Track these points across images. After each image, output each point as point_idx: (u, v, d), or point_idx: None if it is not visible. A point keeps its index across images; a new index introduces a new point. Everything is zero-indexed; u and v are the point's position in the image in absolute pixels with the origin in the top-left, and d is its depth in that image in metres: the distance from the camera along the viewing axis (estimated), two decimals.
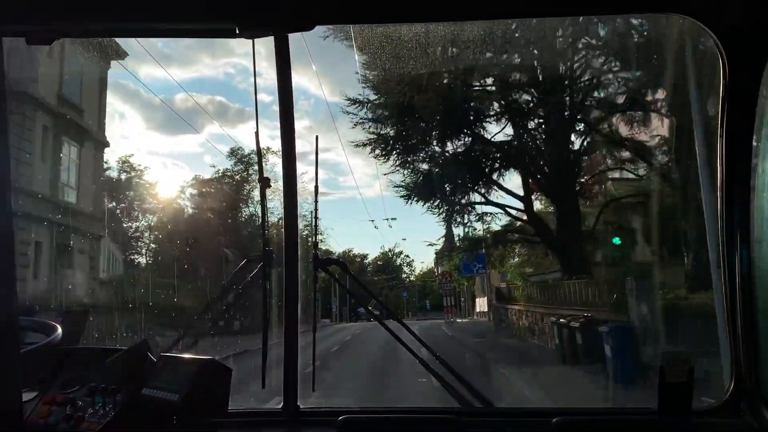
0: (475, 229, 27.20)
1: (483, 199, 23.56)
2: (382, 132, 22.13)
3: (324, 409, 2.16)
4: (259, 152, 2.33)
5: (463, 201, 23.91)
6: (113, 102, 37.90)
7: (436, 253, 78.36)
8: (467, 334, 24.51)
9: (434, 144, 22.35)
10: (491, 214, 24.66)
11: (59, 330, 1.72)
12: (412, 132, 21.65)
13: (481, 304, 47.46)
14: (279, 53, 2.11)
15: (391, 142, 22.00)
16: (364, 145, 22.07)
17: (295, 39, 2.12)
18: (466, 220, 23.85)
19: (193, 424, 1.53)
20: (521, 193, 22.60)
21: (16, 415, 1.37)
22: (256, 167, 39.01)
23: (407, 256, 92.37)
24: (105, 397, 1.55)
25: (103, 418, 1.51)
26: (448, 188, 23.38)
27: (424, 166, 22.78)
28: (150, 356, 1.62)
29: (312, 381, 2.47)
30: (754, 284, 1.86)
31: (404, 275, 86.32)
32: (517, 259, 32.16)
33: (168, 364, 1.52)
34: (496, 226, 24.87)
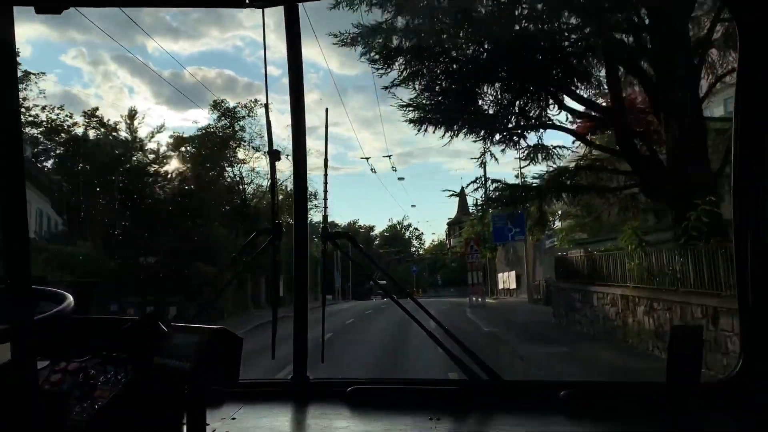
0: (521, 177, 19.06)
1: (540, 117, 14.78)
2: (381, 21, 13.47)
3: (333, 380, 2.19)
4: (269, 125, 2.32)
5: (509, 123, 15.25)
6: (123, 76, 37.31)
7: (448, 224, 76.80)
8: (519, 333, 15.88)
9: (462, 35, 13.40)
10: (550, 149, 15.78)
11: (71, 299, 1.74)
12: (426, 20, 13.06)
13: (507, 280, 42.70)
14: (289, 24, 2.09)
15: (400, 36, 13.67)
16: (351, 42, 13.75)
17: (303, 10, 2.09)
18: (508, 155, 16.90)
19: (204, 393, 1.55)
20: (602, 101, 15.16)
21: (31, 383, 1.40)
22: (242, 122, 36.29)
23: (416, 228, 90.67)
24: (116, 366, 1.58)
25: (114, 387, 1.53)
26: (486, 100, 14.79)
27: (445, 73, 14.40)
28: (161, 325, 1.63)
29: (321, 353, 2.50)
30: (765, 260, 1.85)
31: (413, 249, 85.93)
32: (567, 222, 26.31)
33: (179, 334, 1.54)
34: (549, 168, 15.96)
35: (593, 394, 1.97)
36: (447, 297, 50.10)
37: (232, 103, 39.50)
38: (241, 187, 40.53)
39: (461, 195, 79.99)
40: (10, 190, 1.24)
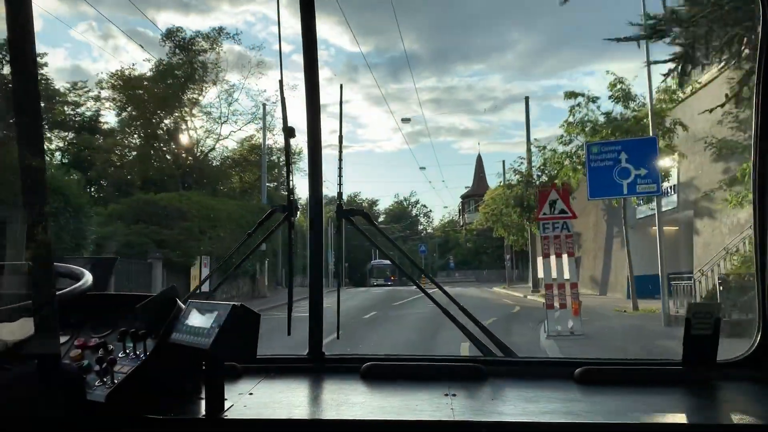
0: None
1: None
2: None
3: (349, 356, 2.21)
4: (284, 102, 2.32)
5: None
6: (132, 50, 35.36)
7: (462, 198, 70.77)
8: None
9: None
10: None
11: (89, 275, 1.76)
12: None
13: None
14: (304, 6, 2.07)
15: None
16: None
17: None
18: None
19: (222, 368, 1.57)
20: None
21: (54, 358, 1.42)
22: (203, 57, 32.91)
23: (424, 205, 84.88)
24: (135, 342, 1.60)
25: (134, 362, 1.56)
26: None
27: None
28: (179, 302, 1.65)
29: (337, 330, 2.52)
30: None
31: (421, 227, 79.28)
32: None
33: (197, 310, 1.55)
34: None
35: (608, 372, 1.97)
36: (463, 283, 45.30)
37: (189, 32, 33.71)
38: (196, 142, 35.11)
39: (478, 165, 72.77)
40: (31, 170, 1.25)
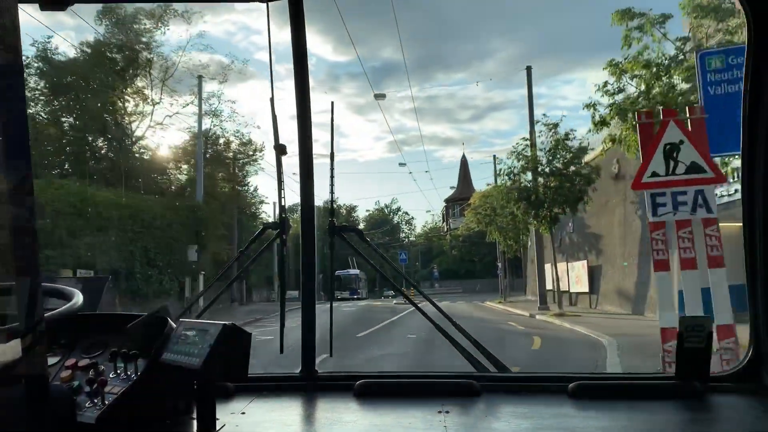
0: None
1: None
2: None
3: (342, 373, 2.19)
4: (275, 119, 2.32)
5: None
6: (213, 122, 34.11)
7: (446, 202, 66.20)
8: None
9: None
10: None
11: (79, 295, 1.75)
12: None
13: (573, 276, 25.95)
14: (293, 16, 2.08)
15: None
16: None
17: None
18: None
19: (214, 388, 1.56)
20: None
21: (43, 380, 1.40)
22: (147, 38, 29.35)
23: (406, 212, 79.31)
24: (126, 362, 1.58)
25: (125, 383, 1.54)
26: None
27: None
28: (170, 321, 1.64)
29: (330, 347, 2.50)
30: None
31: (403, 234, 73.39)
32: None
33: (188, 329, 1.54)
34: None
35: (602, 386, 1.96)
36: (449, 295, 40.03)
37: (129, 9, 28.82)
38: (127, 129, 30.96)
39: (463, 167, 67.68)
40: (18, 188, 1.24)
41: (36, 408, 1.34)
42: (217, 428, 1.54)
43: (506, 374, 2.12)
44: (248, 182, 39.34)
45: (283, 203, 2.39)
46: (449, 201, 67.38)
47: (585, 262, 25.49)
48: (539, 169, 22.56)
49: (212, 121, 34.21)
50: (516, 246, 29.97)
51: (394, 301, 29.93)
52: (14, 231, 1.22)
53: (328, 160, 2.57)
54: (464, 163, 71.14)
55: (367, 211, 74.92)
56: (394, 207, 75.23)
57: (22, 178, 1.20)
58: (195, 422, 1.54)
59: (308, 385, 2.10)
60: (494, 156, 41.49)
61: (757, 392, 1.85)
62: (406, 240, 72.11)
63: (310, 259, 2.28)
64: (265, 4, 2.09)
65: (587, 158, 22.55)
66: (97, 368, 1.61)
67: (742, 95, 1.84)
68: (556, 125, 22.45)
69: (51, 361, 1.64)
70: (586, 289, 25.07)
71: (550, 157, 22.38)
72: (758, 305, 1.86)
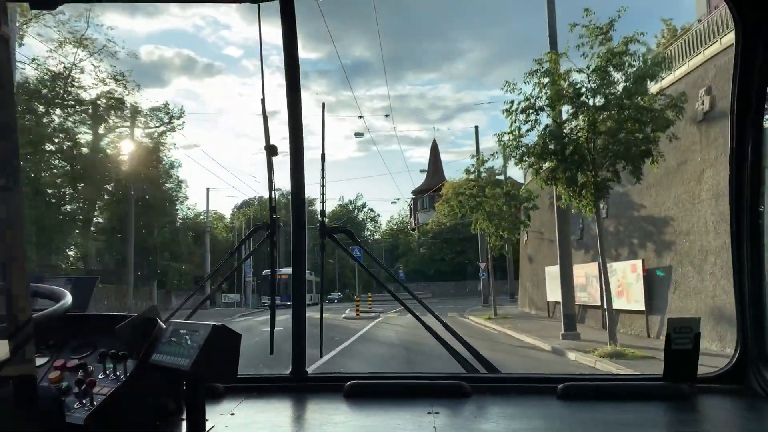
0: None
1: None
2: None
3: (331, 374, 2.20)
4: (266, 120, 2.32)
5: None
6: (77, 52, 28.81)
7: (414, 193, 59.17)
8: None
9: None
10: None
11: (68, 296, 1.74)
12: None
13: (588, 287, 18.35)
14: (284, 17, 2.08)
15: None
16: None
17: None
18: None
19: (203, 389, 1.56)
20: None
21: (31, 380, 1.40)
22: (87, 33, 27.41)
23: (372, 209, 73.29)
24: (115, 363, 1.58)
25: (114, 383, 1.53)
26: None
27: None
28: (159, 322, 1.63)
29: (320, 347, 2.50)
30: (762, 252, 1.85)
31: (368, 233, 69.02)
32: None
33: (177, 330, 1.54)
34: None
35: (590, 387, 1.98)
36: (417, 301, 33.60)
37: None
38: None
39: (433, 153, 60.25)
40: (5, 188, 1.24)
41: (24, 409, 1.34)
42: (207, 429, 1.53)
43: (496, 375, 2.13)
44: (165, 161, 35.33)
45: (273, 204, 2.39)
46: (417, 192, 61.11)
47: (638, 262, 15.86)
48: (584, 98, 12.85)
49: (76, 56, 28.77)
50: (507, 240, 23.75)
51: (344, 315, 25.53)
52: (1, 232, 1.22)
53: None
54: (435, 149, 64.50)
55: (332, 210, 69.55)
56: (359, 203, 70.81)
57: (7, 177, 1.20)
58: (184, 423, 1.54)
59: (298, 386, 2.10)
60: (476, 126, 37.62)
61: (744, 393, 1.87)
62: (371, 239, 66.90)
63: (301, 259, 2.28)
64: (256, 5, 2.09)
65: (660, 85, 14.82)
66: (86, 369, 1.61)
67: (730, 100, 1.86)
68: (609, 26, 12.45)
69: (40, 361, 1.63)
70: (639, 306, 15.56)
71: (600, 81, 12.61)
72: (745, 308, 1.88)
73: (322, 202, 2.55)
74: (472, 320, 22.96)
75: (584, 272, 18.83)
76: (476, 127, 33.59)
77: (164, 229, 38.40)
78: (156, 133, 33.76)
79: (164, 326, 1.61)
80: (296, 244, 2.27)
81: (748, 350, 1.89)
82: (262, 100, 2.36)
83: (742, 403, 1.85)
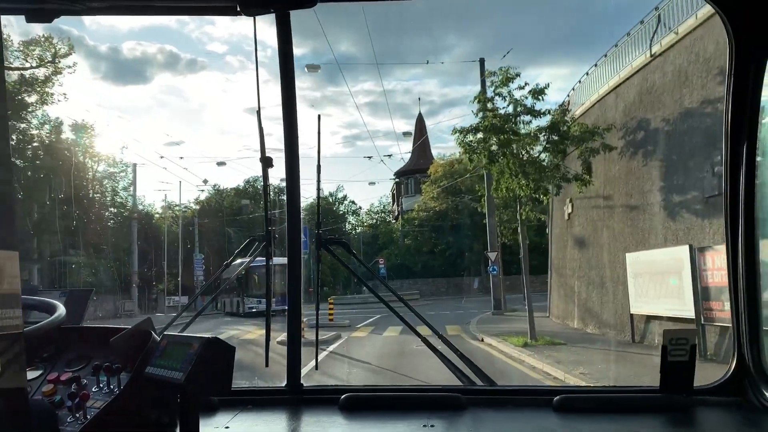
0: None
1: None
2: None
3: (327, 387, 2.18)
4: (261, 131, 2.32)
5: None
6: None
7: (397, 176, 52.06)
8: None
9: None
10: None
11: (62, 309, 1.73)
12: None
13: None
14: (280, 30, 2.09)
15: None
16: None
17: None
18: None
19: (197, 402, 1.54)
20: None
21: (23, 394, 1.38)
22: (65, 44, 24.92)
23: (353, 202, 65.86)
24: (109, 376, 1.56)
25: (107, 396, 1.52)
26: None
27: None
28: (153, 335, 1.62)
29: (315, 360, 2.49)
30: (757, 263, 1.86)
31: (349, 226, 62.35)
32: None
33: (171, 343, 1.53)
34: None
35: (587, 400, 1.97)
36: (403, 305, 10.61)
37: None
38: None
39: (419, 126, 50.21)
40: None
41: (17, 423, 1.32)
42: None
43: (492, 387, 2.12)
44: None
45: (269, 215, 2.39)
46: (401, 174, 52.44)
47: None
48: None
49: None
50: (543, 208, 16.78)
51: (279, 339, 7.27)
52: None
53: (280, 151, 2.39)
54: (420, 122, 53.05)
55: (305, 198, 64.94)
56: (339, 195, 62.30)
57: (2, 189, 1.19)
58: None
59: (293, 399, 2.09)
60: (482, 59, 23.42)
61: (740, 405, 1.87)
62: (352, 233, 59.20)
63: (296, 271, 2.27)
64: (252, 18, 2.09)
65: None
66: (79, 382, 1.59)
67: (724, 106, 1.87)
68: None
69: (33, 375, 1.61)
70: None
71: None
72: (741, 319, 1.88)
73: (318, 214, 2.55)
74: (495, 347, 13.60)
75: (720, 260, 9.85)
76: (481, 60, 23.52)
77: (66, 210, 30.34)
78: (33, 77, 26.75)
79: (158, 339, 1.60)
80: (291, 254, 2.26)
81: (745, 362, 1.89)
82: (258, 112, 2.36)
83: (738, 415, 1.84)
